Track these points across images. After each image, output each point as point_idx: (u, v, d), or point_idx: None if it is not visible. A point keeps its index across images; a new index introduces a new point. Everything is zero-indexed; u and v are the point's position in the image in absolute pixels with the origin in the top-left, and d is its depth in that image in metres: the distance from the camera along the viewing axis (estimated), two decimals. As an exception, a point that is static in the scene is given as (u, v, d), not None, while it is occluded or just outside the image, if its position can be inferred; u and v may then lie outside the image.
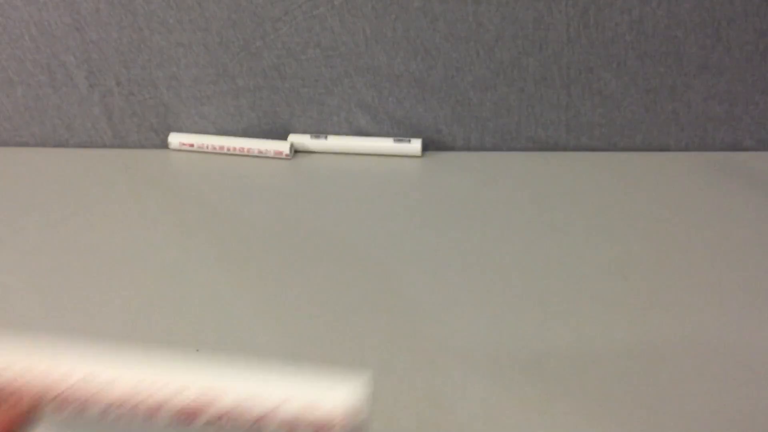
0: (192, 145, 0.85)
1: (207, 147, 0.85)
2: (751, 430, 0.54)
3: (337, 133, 0.85)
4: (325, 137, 0.84)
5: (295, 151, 0.85)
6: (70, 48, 0.82)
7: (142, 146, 0.88)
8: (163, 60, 0.82)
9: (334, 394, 0.34)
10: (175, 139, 0.86)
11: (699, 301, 0.64)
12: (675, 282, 0.66)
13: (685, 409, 0.55)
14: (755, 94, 0.79)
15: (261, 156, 0.84)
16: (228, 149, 0.85)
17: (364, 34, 0.78)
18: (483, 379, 0.58)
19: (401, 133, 0.84)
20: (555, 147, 0.83)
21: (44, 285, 0.68)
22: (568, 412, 0.55)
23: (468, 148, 0.84)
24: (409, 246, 0.71)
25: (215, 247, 0.71)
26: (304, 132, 0.85)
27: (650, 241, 0.71)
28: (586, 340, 0.61)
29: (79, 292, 0.66)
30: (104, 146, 0.88)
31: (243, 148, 0.84)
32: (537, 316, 0.63)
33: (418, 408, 0.56)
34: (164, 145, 0.87)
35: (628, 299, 0.64)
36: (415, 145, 0.82)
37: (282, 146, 0.83)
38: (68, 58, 0.83)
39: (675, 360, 0.59)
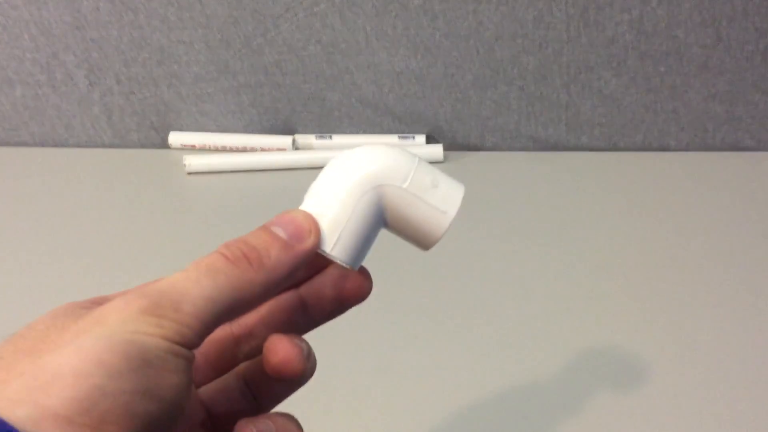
0: (194, 146, 0.85)
1: (209, 146, 0.85)
2: (752, 430, 0.53)
3: (339, 128, 0.85)
4: (330, 137, 0.84)
5: (297, 149, 0.85)
6: (70, 47, 0.82)
7: (142, 145, 0.87)
8: (163, 58, 0.82)
9: None
10: (176, 138, 0.86)
11: (699, 301, 0.64)
12: (675, 282, 0.66)
13: (685, 410, 0.55)
14: (756, 94, 0.79)
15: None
16: (230, 148, 0.85)
17: (365, 31, 0.78)
18: (479, 379, 0.58)
19: (402, 129, 0.84)
20: (555, 146, 0.83)
21: (43, 285, 0.67)
22: (567, 412, 0.55)
23: (468, 146, 0.84)
24: (400, 244, 0.71)
25: (216, 246, 0.71)
26: (306, 126, 0.85)
27: (650, 241, 0.71)
28: (586, 340, 0.61)
29: (77, 293, 0.66)
30: (103, 146, 0.88)
31: (246, 147, 0.84)
32: (535, 317, 0.63)
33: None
34: (164, 144, 0.86)
35: (627, 299, 0.64)
36: (437, 150, 0.82)
37: (284, 142, 0.84)
38: (68, 57, 0.82)
39: (675, 360, 0.59)
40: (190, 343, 0.27)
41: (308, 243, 0.31)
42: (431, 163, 0.34)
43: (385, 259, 0.69)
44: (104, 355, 0.25)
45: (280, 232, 0.31)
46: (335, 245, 0.32)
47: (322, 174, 0.33)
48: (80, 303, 0.30)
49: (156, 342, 0.26)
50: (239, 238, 0.30)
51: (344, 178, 0.32)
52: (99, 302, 0.29)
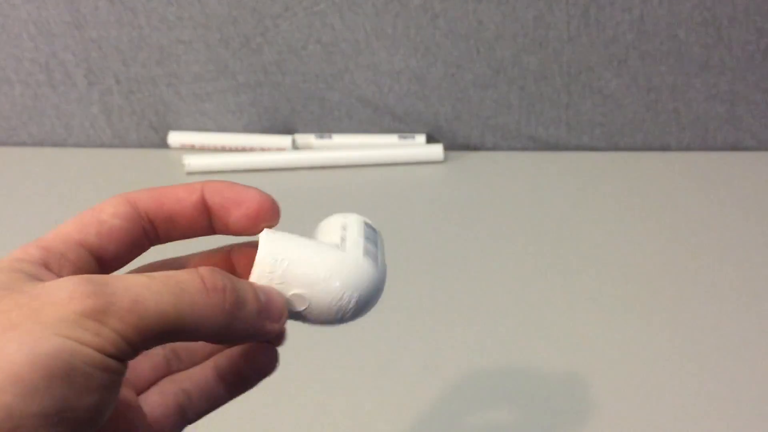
0: (194, 146, 0.85)
1: (208, 146, 0.85)
2: (752, 430, 0.53)
3: (338, 127, 0.85)
4: (330, 136, 0.84)
5: (296, 149, 0.85)
6: (69, 46, 0.82)
7: (142, 145, 0.87)
8: (162, 57, 0.81)
9: None
10: (175, 138, 0.85)
11: (699, 302, 0.63)
12: (676, 282, 0.66)
13: (686, 410, 0.55)
14: (757, 94, 0.79)
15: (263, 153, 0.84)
16: (230, 148, 0.84)
17: (365, 30, 0.78)
18: (481, 380, 0.58)
19: (402, 129, 0.83)
20: (555, 146, 0.83)
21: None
22: (567, 413, 0.55)
23: (468, 146, 0.84)
24: (400, 244, 0.71)
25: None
26: (305, 126, 0.85)
27: (651, 241, 0.70)
28: (587, 341, 0.60)
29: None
30: (102, 146, 0.88)
31: (245, 147, 0.84)
32: (536, 317, 0.63)
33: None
34: (163, 143, 0.86)
35: (628, 299, 0.64)
36: (437, 150, 0.81)
37: (284, 142, 0.83)
38: (67, 57, 0.82)
39: (676, 360, 0.59)
40: (125, 355, 0.25)
41: (274, 327, 0.30)
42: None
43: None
44: (24, 370, 0.23)
45: (263, 298, 0.30)
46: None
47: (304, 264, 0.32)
48: (28, 267, 0.27)
49: (86, 353, 0.24)
50: (227, 273, 0.29)
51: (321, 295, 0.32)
52: (49, 265, 0.28)
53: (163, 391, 0.33)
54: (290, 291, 0.31)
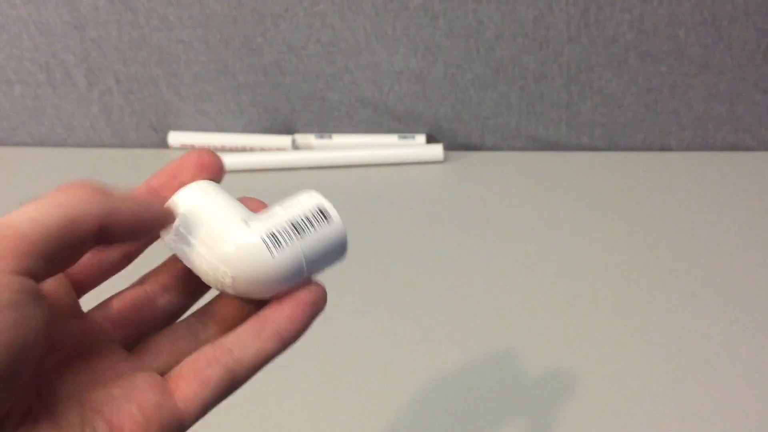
0: (194, 146, 0.85)
1: (208, 146, 0.85)
2: (751, 430, 0.53)
3: (338, 127, 0.85)
4: (330, 137, 0.84)
5: (296, 149, 0.85)
6: (69, 46, 0.82)
7: (142, 145, 0.87)
8: (162, 57, 0.81)
9: None
10: (175, 138, 0.85)
11: (700, 301, 0.63)
12: (676, 282, 0.66)
13: (685, 410, 0.55)
14: (757, 94, 0.79)
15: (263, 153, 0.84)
16: (230, 148, 0.84)
17: (365, 30, 0.78)
18: (481, 378, 0.58)
19: (402, 129, 0.83)
20: (555, 146, 0.83)
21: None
22: (567, 412, 0.55)
23: (468, 146, 0.84)
24: (401, 244, 0.71)
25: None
26: (305, 126, 0.85)
27: (651, 241, 0.70)
28: (587, 340, 0.60)
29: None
30: (102, 146, 0.88)
31: (245, 147, 0.84)
32: (537, 317, 0.63)
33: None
34: (164, 143, 0.86)
35: (629, 299, 0.64)
36: (437, 150, 0.81)
37: (284, 142, 0.83)
38: (67, 57, 0.82)
39: (676, 359, 0.59)
40: (27, 270, 0.25)
41: (166, 210, 0.31)
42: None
43: (384, 258, 0.69)
44: None
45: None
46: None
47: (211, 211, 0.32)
48: None
49: None
50: None
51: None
52: None
53: (207, 357, 0.31)
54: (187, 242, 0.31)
